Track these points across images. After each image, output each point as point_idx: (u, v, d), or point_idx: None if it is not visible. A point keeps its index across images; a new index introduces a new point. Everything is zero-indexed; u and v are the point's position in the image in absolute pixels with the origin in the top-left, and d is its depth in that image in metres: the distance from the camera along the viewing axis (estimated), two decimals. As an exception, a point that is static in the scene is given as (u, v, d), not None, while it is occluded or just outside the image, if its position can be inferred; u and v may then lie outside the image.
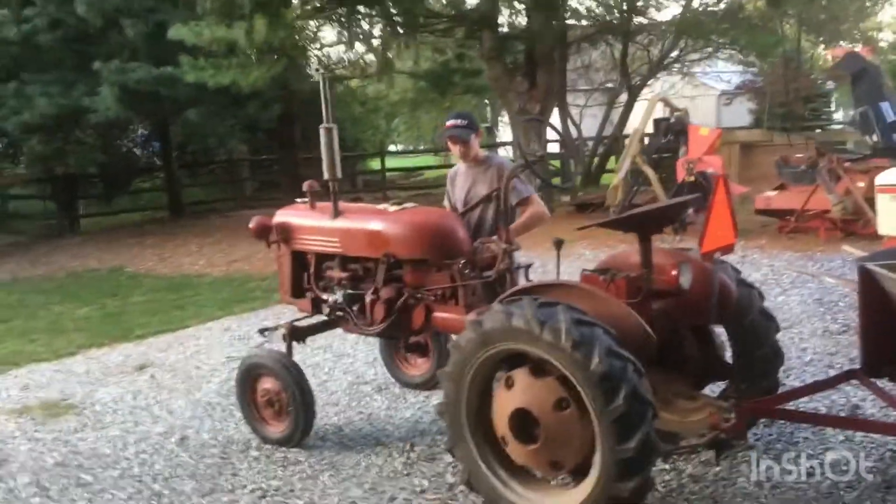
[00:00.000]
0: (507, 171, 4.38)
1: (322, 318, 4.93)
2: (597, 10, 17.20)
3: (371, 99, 27.14)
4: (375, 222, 4.35)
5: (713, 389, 4.24)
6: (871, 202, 8.67)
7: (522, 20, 15.75)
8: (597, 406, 3.18)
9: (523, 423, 3.47)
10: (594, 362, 3.15)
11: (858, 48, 9.46)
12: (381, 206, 4.51)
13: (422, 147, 33.79)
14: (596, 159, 18.87)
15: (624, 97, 19.97)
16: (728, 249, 3.86)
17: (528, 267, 4.43)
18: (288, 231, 4.79)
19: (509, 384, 3.54)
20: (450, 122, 4.60)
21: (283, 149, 18.32)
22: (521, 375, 3.50)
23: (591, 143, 19.46)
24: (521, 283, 4.19)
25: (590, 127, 21.09)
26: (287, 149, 18.02)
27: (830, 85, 26.04)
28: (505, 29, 14.61)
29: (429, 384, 5.49)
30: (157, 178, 24.19)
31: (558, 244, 4.00)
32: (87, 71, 13.48)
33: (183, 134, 21.35)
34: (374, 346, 6.61)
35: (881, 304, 3.60)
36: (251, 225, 4.81)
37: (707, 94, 28.65)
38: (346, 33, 17.85)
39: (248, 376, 4.78)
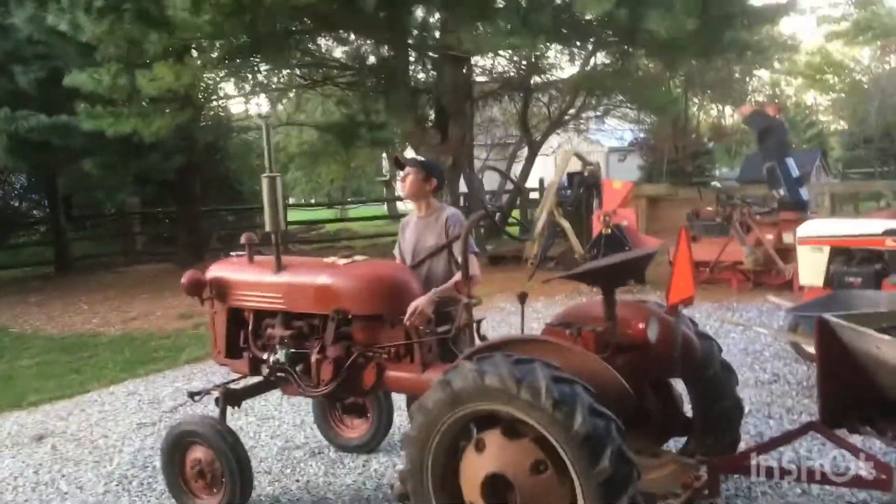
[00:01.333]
0: (455, 221, 4.23)
1: (257, 379, 4.60)
2: (502, 67, 17.54)
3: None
4: (324, 276, 4.10)
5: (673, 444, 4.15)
6: (780, 253, 9.04)
7: (430, 75, 15.94)
8: (580, 468, 3.01)
9: (496, 488, 3.26)
10: (577, 422, 2.99)
11: (767, 106, 9.94)
12: (329, 260, 4.26)
13: (315, 201, 33.54)
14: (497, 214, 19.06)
15: (524, 152, 20.40)
16: (688, 302, 3.82)
17: (479, 322, 4.27)
18: (224, 286, 4.46)
19: (480, 447, 3.33)
20: (414, 156, 4.41)
21: (182, 201, 17.63)
22: (492, 437, 3.30)
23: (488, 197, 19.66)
24: (477, 339, 4.01)
25: (489, 181, 21.38)
26: (187, 201, 17.36)
27: (711, 144, 27.55)
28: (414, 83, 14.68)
29: (367, 447, 5.22)
30: (38, 231, 22.93)
31: (522, 297, 3.86)
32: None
33: (70, 185, 20.31)
34: (300, 407, 6.30)
35: (840, 356, 3.62)
36: (183, 280, 4.45)
37: (596, 150, 29.71)
38: (246, 85, 17.63)
39: (178, 445, 4.37)
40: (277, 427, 5.95)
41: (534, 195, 20.46)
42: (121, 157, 13.42)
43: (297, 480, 4.91)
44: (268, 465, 5.17)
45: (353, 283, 4.03)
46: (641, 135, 25.66)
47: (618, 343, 3.66)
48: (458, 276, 3.95)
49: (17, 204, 24.30)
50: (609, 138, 29.28)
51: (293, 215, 25.78)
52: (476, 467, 3.32)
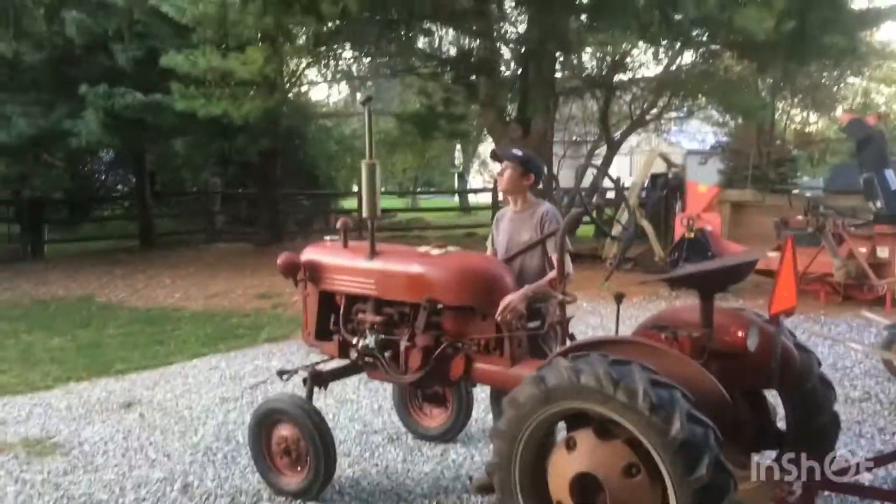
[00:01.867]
0: (551, 217, 4.18)
1: (344, 362, 4.66)
2: (585, 63, 17.34)
3: (346, 138, 27.12)
4: (418, 265, 4.12)
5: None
6: (873, 267, 8.73)
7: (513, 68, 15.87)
8: (676, 475, 2.96)
9: (585, 487, 3.24)
10: (675, 428, 2.94)
11: (867, 115, 9.59)
12: (423, 249, 4.29)
13: (385, 189, 33.70)
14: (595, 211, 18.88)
15: (603, 150, 20.16)
16: (790, 312, 3.72)
17: (568, 320, 4.23)
18: (318, 270, 4.53)
19: (571, 445, 3.32)
20: (513, 150, 4.36)
21: (263, 184, 18.00)
22: (584, 437, 3.28)
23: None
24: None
25: (565, 178, 21.19)
26: (268, 184, 17.71)
27: (794, 151, 26.72)
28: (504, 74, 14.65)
29: (445, 437, 5.24)
30: (122, 206, 23.74)
31: (619, 298, 3.82)
32: (69, 93, 13.13)
33: (156, 163, 20.99)
34: (379, 393, 6.38)
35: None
36: (279, 261, 4.54)
37: (675, 151, 29.14)
38: (328, 72, 17.85)
39: (265, 422, 4.47)
40: (356, 411, 6.03)
41: (610, 195, 20.27)
42: (209, 138, 13.75)
43: (377, 465, 4.96)
44: (346, 447, 5.24)
45: (447, 273, 4.04)
46: (724, 138, 25.03)
47: (714, 350, 3.60)
48: (552, 273, 3.93)
49: (103, 178, 25.24)
50: (690, 140, 28.68)
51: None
52: (566, 465, 3.30)
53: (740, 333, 3.58)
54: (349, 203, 27.27)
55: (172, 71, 11.76)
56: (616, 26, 11.04)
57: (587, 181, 19.48)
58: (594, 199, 4.43)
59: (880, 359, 6.26)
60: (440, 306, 4.06)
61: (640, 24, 11.13)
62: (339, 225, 4.54)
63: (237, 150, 18.72)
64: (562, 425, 3.50)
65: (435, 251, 4.19)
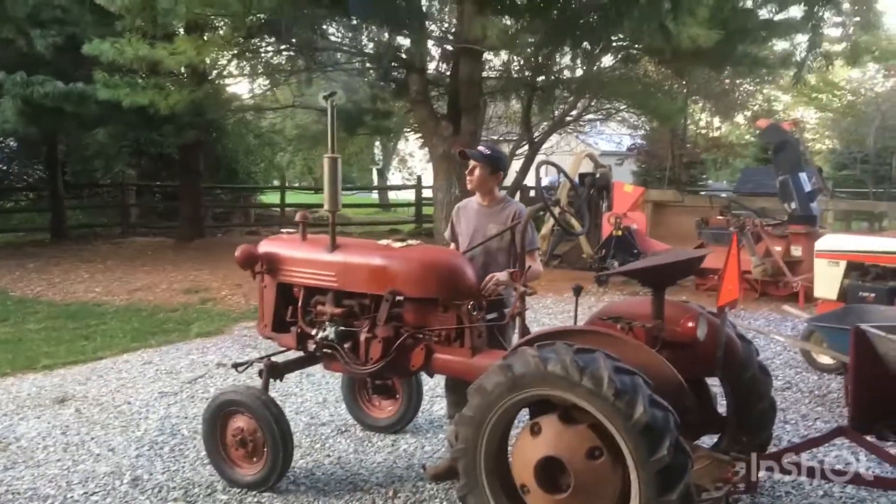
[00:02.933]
0: (520, 215, 4.32)
1: (299, 354, 4.70)
2: (512, 64, 17.60)
3: (266, 132, 26.74)
4: (380, 258, 4.20)
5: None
6: (788, 265, 9.24)
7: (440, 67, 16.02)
8: (638, 457, 3.13)
9: (549, 471, 3.39)
10: (637, 412, 3.12)
11: (783, 121, 10.13)
12: (384, 242, 4.36)
13: (302, 185, 33.41)
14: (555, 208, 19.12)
15: (524, 149, 20.49)
16: (733, 304, 3.96)
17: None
18: (276, 262, 4.54)
19: (535, 431, 3.46)
20: (480, 147, 4.51)
21: (184, 177, 17.60)
22: (549, 422, 3.43)
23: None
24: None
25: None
26: (189, 177, 17.33)
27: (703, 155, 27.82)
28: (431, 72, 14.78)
29: (394, 427, 5.33)
30: (28, 197, 22.80)
31: (577, 290, 3.99)
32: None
33: (68, 153, 20.25)
34: (322, 386, 6.43)
35: (873, 365, 3.78)
36: (237, 253, 4.52)
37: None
38: (248, 66, 17.58)
39: (219, 413, 4.47)
40: (301, 404, 6.05)
41: (532, 193, 20.66)
42: (132, 129, 13.38)
43: (328, 456, 5.01)
44: (297, 439, 5.19)
45: (410, 266, 4.13)
46: (640, 141, 25.85)
47: (665, 339, 3.81)
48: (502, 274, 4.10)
49: (6, 168, 24.11)
50: (607, 142, 29.44)
51: (289, 197, 25.72)
52: (530, 450, 3.44)
53: (690, 324, 3.79)
54: (269, 198, 26.93)
55: (94, 59, 11.39)
56: (543, 29, 11.34)
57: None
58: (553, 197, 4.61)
59: (800, 350, 6.67)
60: (401, 298, 4.15)
61: (565, 28, 11.47)
62: (297, 218, 4.57)
63: (155, 142, 18.27)
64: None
65: (396, 244, 4.27)
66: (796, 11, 12.04)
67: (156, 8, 8.54)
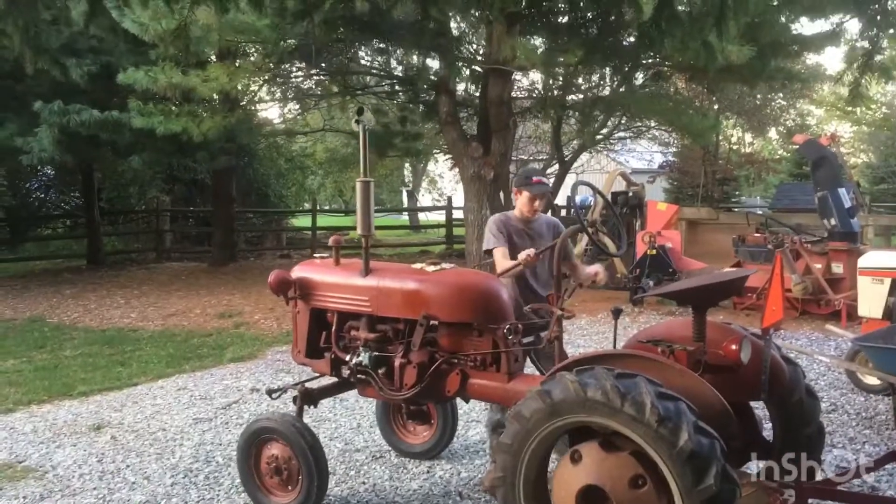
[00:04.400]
0: (560, 227, 4.41)
1: (333, 379, 4.66)
2: (539, 83, 17.59)
3: (297, 156, 26.96)
4: (414, 282, 4.15)
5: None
6: (828, 283, 9.04)
7: (470, 88, 16.04)
8: (684, 486, 3.02)
9: (591, 500, 3.30)
10: (682, 439, 3.01)
11: (821, 136, 9.97)
12: (417, 266, 4.32)
13: (332, 207, 33.57)
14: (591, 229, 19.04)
15: (555, 168, 20.43)
16: (778, 325, 3.85)
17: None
18: (310, 287, 4.51)
19: (576, 458, 3.37)
20: (535, 179, 4.65)
21: (217, 202, 17.77)
22: (590, 450, 3.34)
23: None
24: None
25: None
26: (222, 202, 17.49)
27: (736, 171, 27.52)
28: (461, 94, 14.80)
29: (429, 454, 5.26)
30: (66, 224, 23.16)
31: (616, 313, 3.90)
32: (18, 109, 12.82)
33: (103, 180, 20.56)
34: (356, 411, 6.37)
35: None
36: (270, 279, 4.50)
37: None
38: (278, 91, 17.76)
39: (254, 441, 4.43)
40: (335, 430, 5.99)
41: (564, 213, 20.58)
42: (166, 155, 13.53)
43: (364, 483, 4.95)
44: (331, 466, 5.15)
45: (444, 290, 4.08)
46: (671, 158, 25.64)
47: (707, 363, 3.70)
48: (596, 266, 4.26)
49: (44, 196, 24.55)
50: (638, 160, 29.29)
51: (320, 220, 25.87)
52: (571, 478, 3.35)
53: (733, 347, 3.68)
54: (300, 221, 27.08)
55: (128, 87, 11.56)
56: (570, 47, 11.27)
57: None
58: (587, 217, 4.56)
59: (845, 371, 6.49)
60: (435, 322, 4.09)
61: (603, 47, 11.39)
62: (331, 242, 4.54)
63: (189, 168, 18.46)
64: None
65: (429, 268, 4.22)
66: (825, 25, 11.85)
67: (188, 36, 8.62)
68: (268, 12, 8.61)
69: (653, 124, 20.97)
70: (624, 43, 12.73)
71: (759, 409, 4.14)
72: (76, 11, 9.87)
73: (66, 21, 10.06)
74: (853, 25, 14.64)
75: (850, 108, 29.30)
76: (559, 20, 11.40)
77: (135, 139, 12.33)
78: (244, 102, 14.96)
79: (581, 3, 10.02)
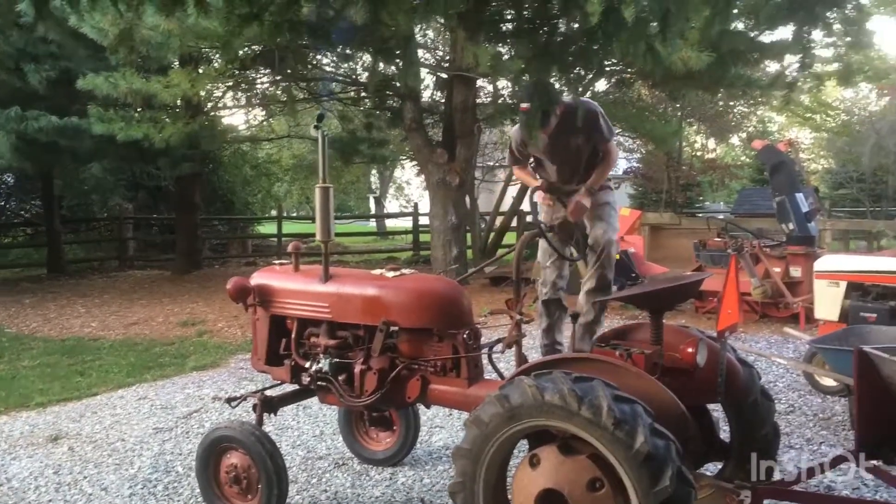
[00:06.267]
0: None
1: (293, 387, 4.62)
2: (506, 90, 17.67)
3: (263, 162, 26.80)
4: (374, 288, 4.14)
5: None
6: (787, 286, 9.18)
7: (435, 95, 16.08)
8: (641, 488, 3.05)
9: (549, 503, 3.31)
10: (639, 442, 3.04)
11: (778, 142, 10.12)
12: (377, 272, 4.31)
13: (300, 214, 33.33)
14: (492, 234, 19.14)
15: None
16: (734, 328, 3.90)
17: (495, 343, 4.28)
18: (269, 294, 4.48)
19: (534, 462, 3.38)
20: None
21: (181, 209, 17.58)
22: (548, 453, 3.35)
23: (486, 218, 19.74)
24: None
25: (484, 202, 21.48)
26: (186, 209, 17.31)
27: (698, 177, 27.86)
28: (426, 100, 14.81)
29: (392, 460, 5.23)
30: (25, 233, 22.77)
31: (574, 317, 3.93)
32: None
33: (65, 188, 20.25)
34: (319, 419, 6.33)
35: (878, 388, 3.70)
36: (228, 286, 4.46)
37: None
38: (245, 97, 17.65)
39: (213, 450, 4.38)
40: (297, 437, 5.95)
41: (529, 219, 20.63)
42: (127, 162, 13.36)
43: (325, 490, 4.91)
44: (293, 474, 5.15)
45: (404, 295, 4.07)
46: (636, 164, 25.89)
47: (664, 366, 3.74)
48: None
49: (3, 203, 24.12)
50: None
51: (287, 227, 25.72)
52: (530, 483, 3.36)
53: (689, 350, 3.72)
54: (266, 228, 26.90)
55: (88, 93, 11.40)
56: (529, 54, 11.28)
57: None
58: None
59: (802, 372, 6.59)
60: (396, 328, 4.08)
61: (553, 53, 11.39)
62: (290, 249, 4.52)
63: (152, 175, 18.25)
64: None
65: (389, 273, 4.21)
66: (786, 33, 12.05)
67: (133, 38, 8.52)
68: (215, 16, 8.52)
69: (617, 131, 21.12)
70: (571, 49, 12.79)
71: (717, 411, 4.18)
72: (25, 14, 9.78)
73: (8, 24, 9.85)
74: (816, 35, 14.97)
75: (809, 115, 29.88)
76: (504, 26, 11.42)
77: (95, 146, 12.15)
78: (208, 108, 14.82)
79: (525, 9, 10.04)
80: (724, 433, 4.21)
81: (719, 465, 4.18)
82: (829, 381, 6.22)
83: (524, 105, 4.62)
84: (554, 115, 4.65)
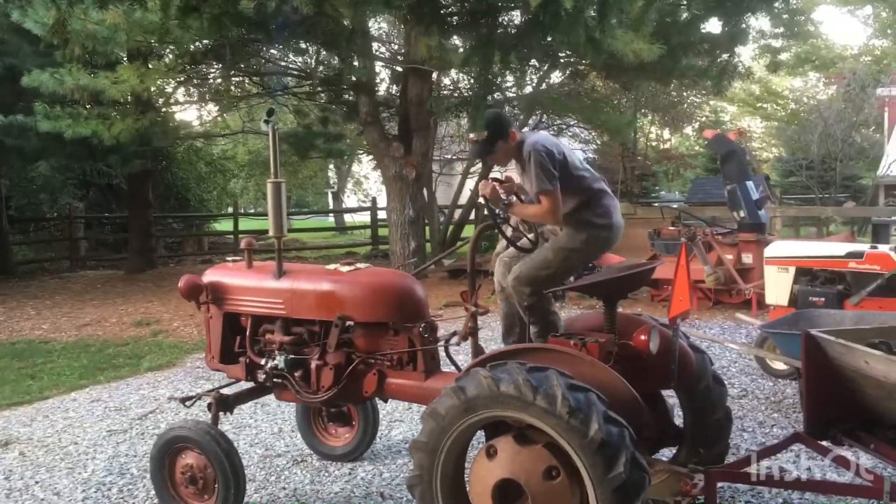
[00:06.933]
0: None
1: (250, 385, 4.58)
2: (461, 83, 17.67)
3: (218, 158, 26.44)
4: (328, 283, 4.11)
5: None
6: (739, 273, 9.34)
7: (391, 88, 16.01)
8: (595, 475, 3.09)
9: (507, 493, 3.33)
10: (592, 429, 3.08)
11: (729, 131, 10.28)
12: (331, 267, 4.28)
13: (257, 210, 32.98)
14: (452, 227, 19.17)
15: (478, 167, 20.57)
16: (685, 315, 3.95)
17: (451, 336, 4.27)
18: (222, 291, 4.43)
19: (491, 453, 3.40)
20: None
21: (134, 207, 17.28)
22: (505, 444, 3.37)
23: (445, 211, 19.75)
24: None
25: (442, 195, 21.48)
26: (139, 207, 17.01)
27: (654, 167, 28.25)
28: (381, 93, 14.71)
29: (351, 455, 5.22)
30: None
31: (529, 309, 3.95)
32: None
33: (11, 187, 19.75)
34: (277, 416, 6.28)
35: (825, 370, 3.78)
36: (180, 284, 4.40)
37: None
38: (198, 92, 17.39)
39: (167, 451, 4.31)
40: (255, 435, 5.90)
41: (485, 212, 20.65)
42: (76, 160, 13.08)
43: (284, 488, 4.88)
44: (251, 472, 5.11)
45: (358, 290, 4.06)
46: (591, 155, 26.11)
47: (618, 354, 3.77)
48: None
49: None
50: (557, 157, 29.69)
51: (243, 224, 25.45)
52: (487, 473, 3.38)
53: (642, 337, 3.76)
54: (223, 225, 26.56)
55: (34, 90, 11.13)
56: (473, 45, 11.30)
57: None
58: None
59: (754, 357, 6.72)
60: (351, 323, 4.07)
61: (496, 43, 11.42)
62: (243, 245, 4.47)
63: (103, 173, 17.89)
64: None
65: (344, 268, 4.19)
66: (716, 26, 12.23)
67: (66, 30, 8.30)
68: (151, 9, 8.40)
69: (572, 122, 21.31)
70: (512, 41, 12.80)
71: (672, 397, 4.24)
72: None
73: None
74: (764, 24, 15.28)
75: (759, 105, 30.44)
76: (449, 19, 11.40)
77: (42, 144, 11.88)
78: (159, 104, 14.57)
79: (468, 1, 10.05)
80: (679, 419, 4.27)
81: (674, 450, 4.24)
82: (779, 365, 6.35)
83: (472, 136, 4.54)
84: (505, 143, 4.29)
